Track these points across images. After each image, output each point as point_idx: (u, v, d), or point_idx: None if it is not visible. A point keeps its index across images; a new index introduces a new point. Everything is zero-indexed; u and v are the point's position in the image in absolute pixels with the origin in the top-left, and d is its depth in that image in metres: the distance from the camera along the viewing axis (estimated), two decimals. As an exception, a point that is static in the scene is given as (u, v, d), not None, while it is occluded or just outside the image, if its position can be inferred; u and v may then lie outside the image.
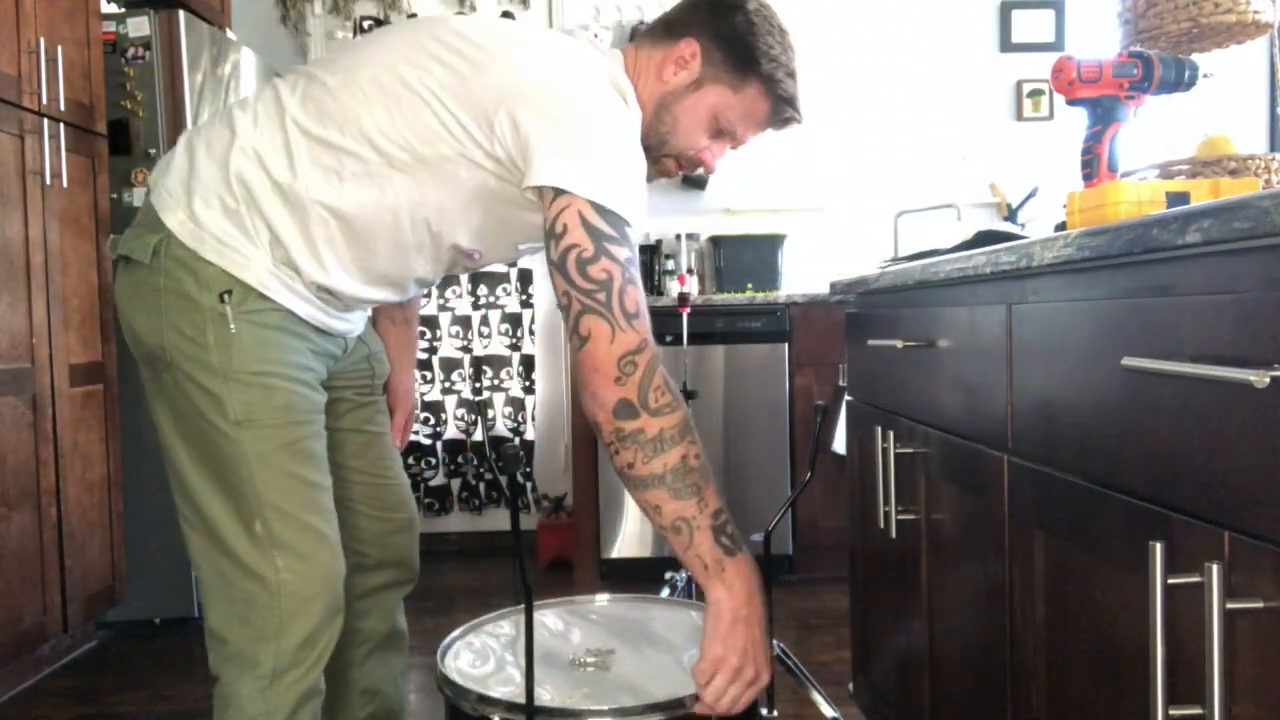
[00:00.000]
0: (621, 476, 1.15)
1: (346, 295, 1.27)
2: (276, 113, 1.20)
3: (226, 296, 1.18)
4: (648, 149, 1.24)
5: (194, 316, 1.18)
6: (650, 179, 1.25)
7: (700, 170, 1.34)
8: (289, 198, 1.19)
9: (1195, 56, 1.49)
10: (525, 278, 3.74)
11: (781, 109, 1.29)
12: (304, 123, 1.18)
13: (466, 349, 3.74)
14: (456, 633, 1.40)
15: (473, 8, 3.72)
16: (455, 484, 3.77)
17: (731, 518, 1.15)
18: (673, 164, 1.32)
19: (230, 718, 1.20)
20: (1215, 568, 0.67)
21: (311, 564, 1.22)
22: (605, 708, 1.14)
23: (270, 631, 1.20)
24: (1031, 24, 3.80)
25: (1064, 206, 1.20)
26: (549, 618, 1.48)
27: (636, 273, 1.13)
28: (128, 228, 1.27)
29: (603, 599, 1.57)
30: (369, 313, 1.46)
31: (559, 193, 1.11)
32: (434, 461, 3.73)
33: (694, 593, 2.30)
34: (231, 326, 1.18)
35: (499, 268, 3.71)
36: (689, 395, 2.61)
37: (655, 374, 1.11)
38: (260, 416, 1.19)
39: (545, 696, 1.18)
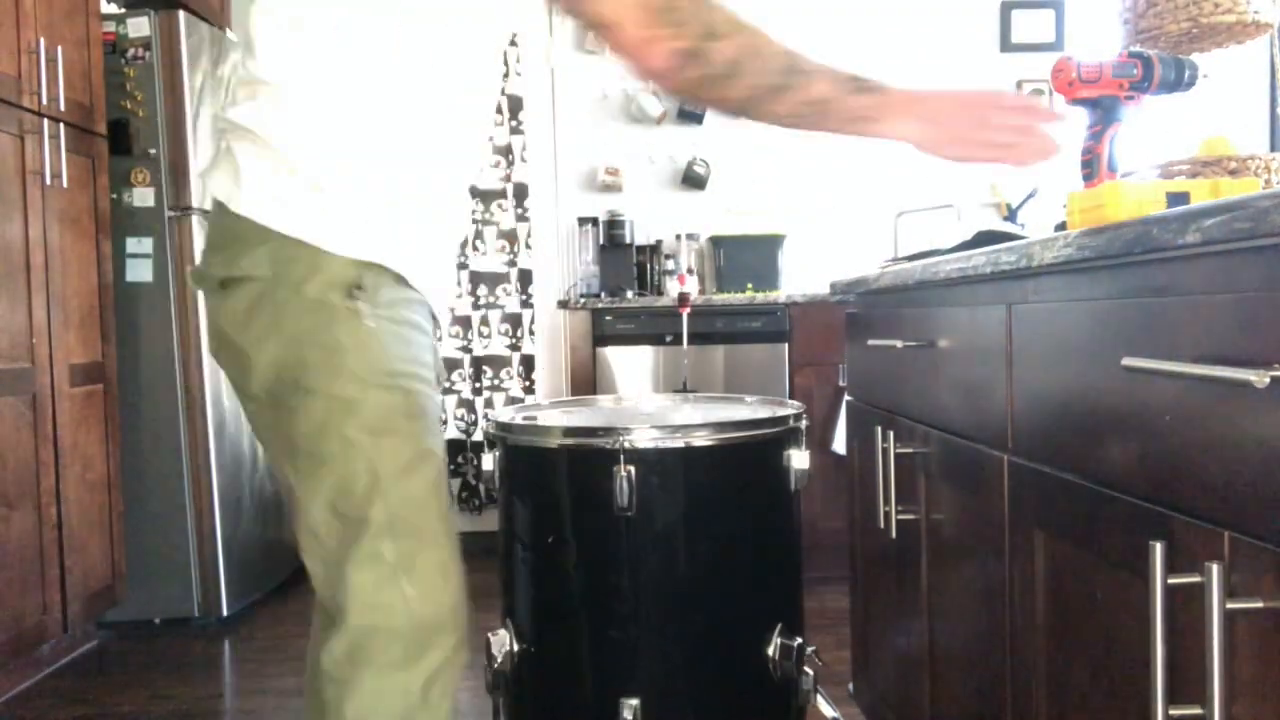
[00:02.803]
0: (721, 110, 1.14)
1: None
2: None
3: (357, 292, 1.06)
4: None
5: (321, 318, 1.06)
6: None
7: None
8: None
9: (1195, 56, 1.49)
10: (525, 278, 3.74)
11: None
12: None
13: (466, 349, 3.74)
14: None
15: (473, 8, 3.72)
16: (455, 484, 3.77)
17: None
18: None
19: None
20: (1215, 568, 0.67)
21: (442, 593, 1.09)
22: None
23: (395, 663, 1.07)
24: (1031, 24, 3.80)
25: (1064, 206, 1.20)
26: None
27: None
28: (207, 254, 1.13)
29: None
30: None
31: None
32: (434, 461, 3.72)
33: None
34: (369, 323, 1.06)
35: (499, 268, 3.71)
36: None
37: None
38: (399, 425, 1.07)
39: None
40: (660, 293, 3.62)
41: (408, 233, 1.13)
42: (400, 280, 1.10)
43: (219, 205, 1.10)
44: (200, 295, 1.17)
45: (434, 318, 1.19)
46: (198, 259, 2.78)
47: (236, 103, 1.10)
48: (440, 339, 1.27)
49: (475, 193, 3.72)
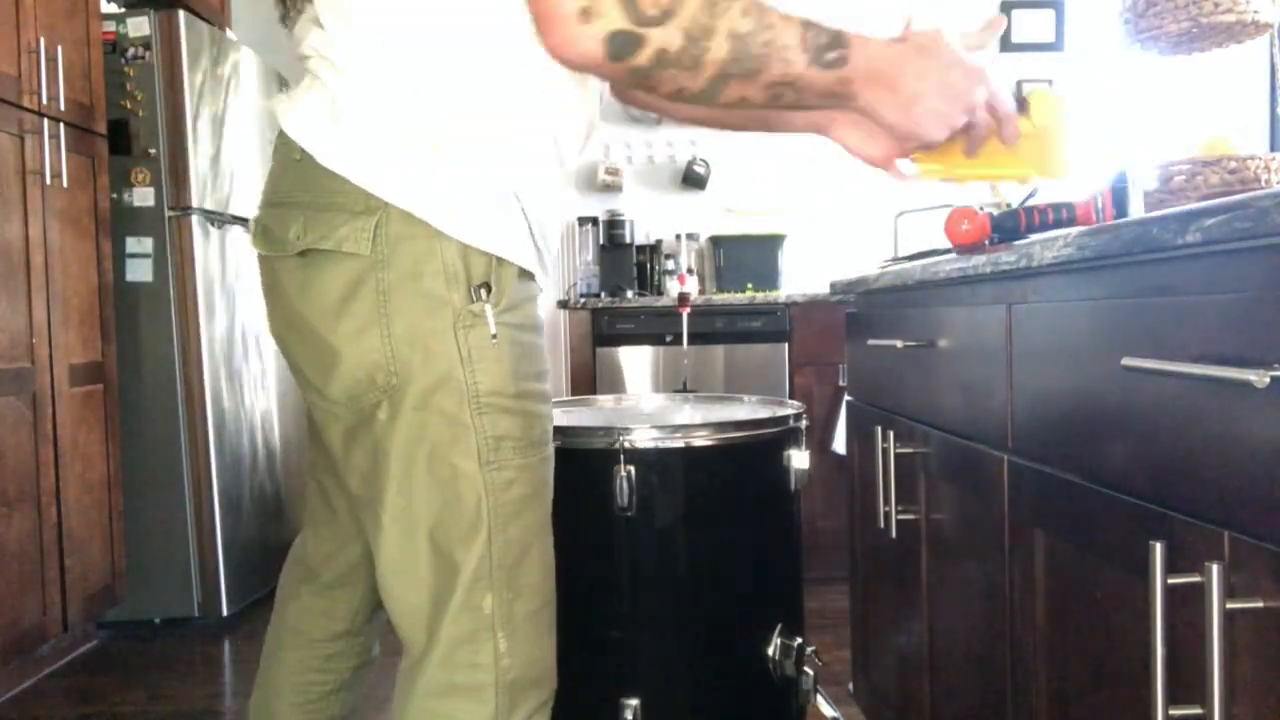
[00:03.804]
0: (679, 101, 0.91)
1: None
2: None
3: (484, 292, 0.91)
4: None
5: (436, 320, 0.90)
6: None
7: None
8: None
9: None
10: (525, 278, 3.73)
11: None
12: None
13: (466, 349, 3.73)
14: None
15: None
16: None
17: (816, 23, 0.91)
18: None
19: None
20: (1215, 568, 0.67)
21: (536, 648, 0.97)
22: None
23: None
24: (1031, 24, 3.80)
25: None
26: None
27: None
28: (272, 209, 0.94)
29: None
30: None
31: None
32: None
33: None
34: (492, 331, 0.91)
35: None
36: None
37: None
38: (512, 458, 0.94)
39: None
40: (660, 293, 3.62)
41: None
42: (524, 274, 0.96)
43: (306, 156, 0.91)
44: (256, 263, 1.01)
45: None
46: (198, 259, 2.80)
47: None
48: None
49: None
